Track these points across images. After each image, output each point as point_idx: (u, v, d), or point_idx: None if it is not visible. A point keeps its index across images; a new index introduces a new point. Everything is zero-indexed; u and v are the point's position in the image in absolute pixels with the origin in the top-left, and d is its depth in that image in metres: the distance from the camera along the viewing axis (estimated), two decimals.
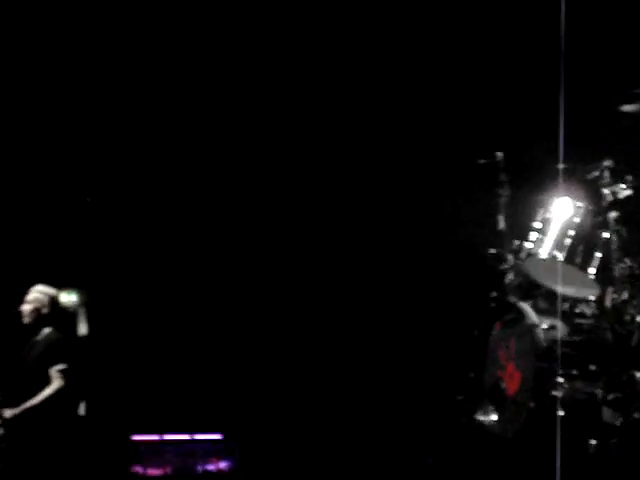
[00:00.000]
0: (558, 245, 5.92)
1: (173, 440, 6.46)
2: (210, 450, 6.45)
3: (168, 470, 6.42)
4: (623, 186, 5.82)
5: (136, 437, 6.42)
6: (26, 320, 5.67)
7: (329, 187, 6.84)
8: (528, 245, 6.00)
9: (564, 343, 5.79)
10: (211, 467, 6.46)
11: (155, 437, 6.45)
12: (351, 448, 6.37)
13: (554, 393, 5.72)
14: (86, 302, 6.35)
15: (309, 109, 6.81)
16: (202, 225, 6.89)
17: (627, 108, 5.80)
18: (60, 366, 5.61)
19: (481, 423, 5.97)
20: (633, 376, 5.62)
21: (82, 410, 5.89)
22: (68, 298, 6.18)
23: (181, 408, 6.66)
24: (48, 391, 5.58)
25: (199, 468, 6.45)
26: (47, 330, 5.68)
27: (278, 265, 6.82)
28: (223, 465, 6.45)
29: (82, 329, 6.36)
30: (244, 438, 6.53)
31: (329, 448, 6.43)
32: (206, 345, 6.80)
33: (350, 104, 6.73)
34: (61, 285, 5.77)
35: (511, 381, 5.91)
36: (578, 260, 5.89)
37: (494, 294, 6.14)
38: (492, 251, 6.19)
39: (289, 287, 6.77)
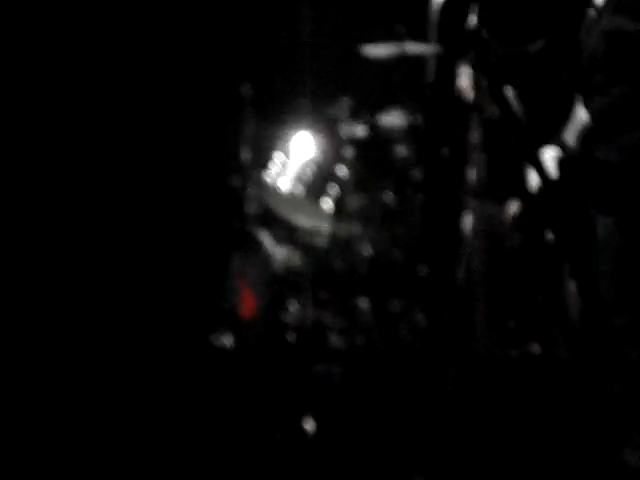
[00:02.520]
0: (297, 178, 6.15)
1: None
2: None
3: None
4: (359, 124, 6.11)
5: None
6: None
7: None
8: (269, 177, 6.20)
9: (297, 272, 6.08)
10: None
11: None
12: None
13: (285, 319, 6.02)
14: None
15: None
16: None
17: (368, 51, 6.05)
18: None
19: (217, 345, 6.19)
20: (357, 304, 5.97)
21: None
22: None
23: None
24: None
25: None
26: None
27: None
28: None
29: None
30: None
31: None
32: None
33: None
34: None
35: (246, 307, 6.15)
36: (316, 194, 6.13)
37: (234, 223, 6.33)
38: (234, 182, 6.37)
39: None
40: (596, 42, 4.31)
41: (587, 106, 4.40)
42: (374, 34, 6.05)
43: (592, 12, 4.39)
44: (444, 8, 4.64)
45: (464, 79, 5.76)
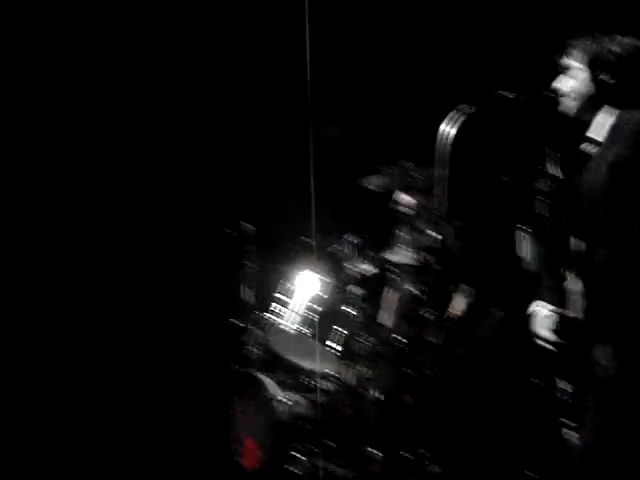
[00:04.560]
0: (301, 319, 5.89)
1: None
2: None
3: None
4: (365, 262, 5.87)
5: None
6: None
7: None
8: (271, 317, 5.95)
9: (304, 418, 5.76)
10: None
11: None
12: None
13: (292, 469, 5.69)
14: None
15: None
16: None
17: (367, 184, 5.88)
18: None
19: None
20: (365, 451, 5.63)
21: None
22: None
23: None
24: None
25: None
26: None
27: None
28: None
29: None
30: None
31: None
32: None
33: None
34: None
35: (249, 457, 5.82)
36: (321, 335, 5.86)
37: (235, 367, 6.06)
38: (235, 322, 6.12)
39: None
40: (598, 177, 4.15)
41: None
42: (379, 169, 5.88)
43: (590, 148, 4.24)
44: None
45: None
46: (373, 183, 5.83)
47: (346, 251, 5.87)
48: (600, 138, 4.21)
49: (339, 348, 5.81)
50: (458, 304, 5.75)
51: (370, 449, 5.63)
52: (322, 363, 5.84)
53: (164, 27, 6.54)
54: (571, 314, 4.20)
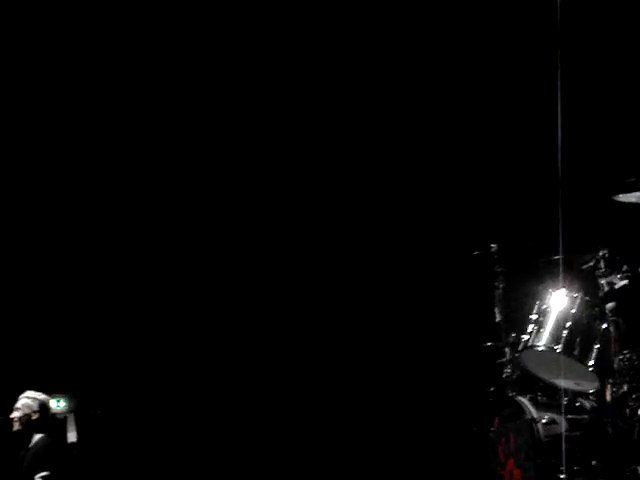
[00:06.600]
0: (555, 337, 5.80)
1: None
2: None
3: None
4: (619, 276, 5.74)
5: None
6: (16, 427, 5.44)
7: None
8: (525, 337, 5.89)
9: (565, 438, 5.67)
10: None
11: None
12: None
13: None
14: (76, 409, 6.20)
15: None
16: None
17: (622, 198, 5.74)
18: (43, 473, 5.33)
19: None
20: (635, 471, 5.50)
21: None
22: (57, 404, 6.04)
23: None
24: None
25: None
26: (37, 436, 5.45)
27: None
28: None
29: (71, 437, 6.17)
30: None
31: None
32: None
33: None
34: (50, 391, 5.58)
35: (511, 478, 5.78)
36: (576, 352, 5.76)
37: (492, 389, 6.03)
38: (488, 344, 6.09)
39: None
40: None
41: None
42: (629, 183, 5.74)
43: None
44: None
45: None
46: (633, 198, 5.70)
47: (602, 267, 5.74)
48: None
49: (595, 365, 5.71)
50: None
51: (636, 467, 5.52)
52: (578, 381, 5.75)
53: None
54: None
